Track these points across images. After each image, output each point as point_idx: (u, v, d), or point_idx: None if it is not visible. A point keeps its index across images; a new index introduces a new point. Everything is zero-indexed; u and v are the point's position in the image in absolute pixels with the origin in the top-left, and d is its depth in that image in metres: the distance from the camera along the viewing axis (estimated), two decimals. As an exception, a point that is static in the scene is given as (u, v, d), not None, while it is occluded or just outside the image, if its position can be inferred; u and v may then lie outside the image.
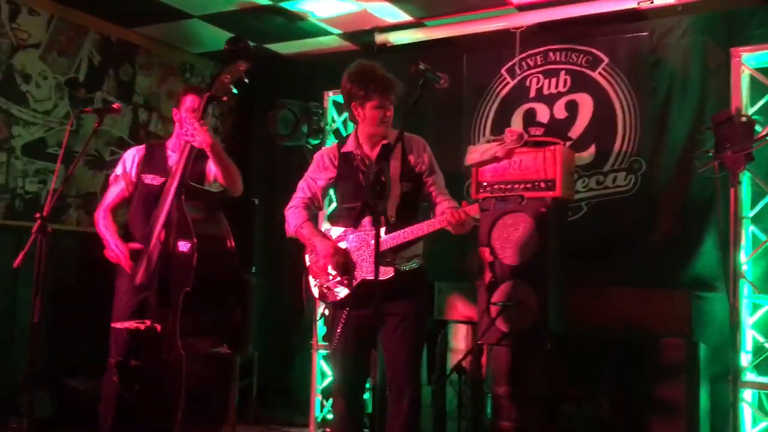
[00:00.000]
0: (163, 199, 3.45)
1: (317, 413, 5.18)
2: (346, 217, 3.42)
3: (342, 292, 3.37)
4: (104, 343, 3.72)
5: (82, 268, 5.16)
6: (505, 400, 4.23)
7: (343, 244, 3.41)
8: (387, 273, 3.26)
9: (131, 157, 3.83)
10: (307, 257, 3.50)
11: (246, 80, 3.43)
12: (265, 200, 5.30)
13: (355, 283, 3.34)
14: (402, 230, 3.27)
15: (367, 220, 3.31)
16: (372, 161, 3.37)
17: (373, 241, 3.09)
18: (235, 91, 3.42)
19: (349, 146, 3.45)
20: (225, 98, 3.47)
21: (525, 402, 4.19)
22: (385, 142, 3.29)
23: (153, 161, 3.79)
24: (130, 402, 3.47)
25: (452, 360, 4.59)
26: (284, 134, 5.09)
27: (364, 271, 3.33)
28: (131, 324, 3.46)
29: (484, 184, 4.42)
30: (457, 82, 5.07)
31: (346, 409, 3.41)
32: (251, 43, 5.49)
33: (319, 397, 5.19)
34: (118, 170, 3.82)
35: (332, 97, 5.34)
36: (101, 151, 5.49)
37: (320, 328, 5.24)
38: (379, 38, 5.22)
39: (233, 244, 3.54)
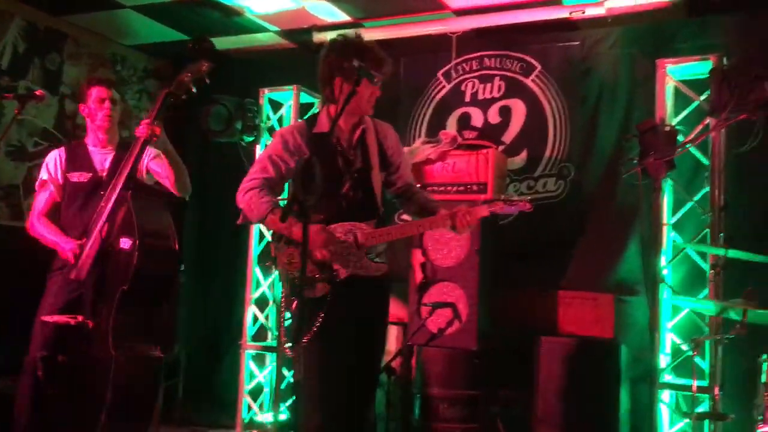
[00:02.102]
0: (108, 194, 3.33)
1: (244, 414, 5.09)
2: (324, 205, 2.91)
3: (322, 287, 2.93)
4: (21, 340, 3.57)
5: (2, 262, 4.95)
6: (434, 401, 4.26)
7: None
8: (380, 269, 3.02)
9: (53, 160, 3.70)
10: (273, 248, 3.07)
11: (207, 81, 3.32)
12: (194, 197, 5.19)
13: (340, 277, 2.94)
14: (398, 225, 3.04)
15: (350, 210, 2.98)
16: (353, 144, 3.04)
17: (359, 234, 2.91)
18: (194, 90, 3.31)
19: (323, 127, 3.02)
20: (183, 97, 3.34)
21: (454, 402, 4.23)
22: (362, 126, 3.03)
23: (77, 160, 3.68)
24: (51, 400, 3.34)
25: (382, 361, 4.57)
26: (218, 130, 5.00)
27: (351, 266, 2.95)
28: (62, 318, 3.31)
29: (418, 185, 4.46)
30: (394, 84, 5.08)
31: (324, 424, 2.93)
32: (184, 37, 5.39)
33: (246, 398, 5.11)
34: (44, 175, 3.69)
35: (268, 94, 5.28)
36: (24, 141, 5.28)
37: (250, 327, 5.17)
38: (318, 37, 5.19)
39: (177, 245, 3.44)
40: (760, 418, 2.79)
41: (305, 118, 3.30)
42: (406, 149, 4.47)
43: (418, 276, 4.37)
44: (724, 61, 4.02)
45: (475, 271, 4.25)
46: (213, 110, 4.98)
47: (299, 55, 5.39)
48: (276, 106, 5.36)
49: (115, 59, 5.88)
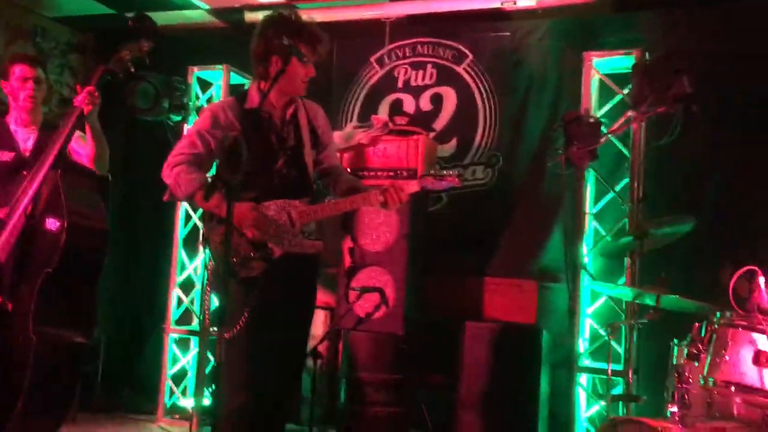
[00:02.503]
0: (34, 173, 3.18)
1: (166, 400, 4.99)
2: (256, 182, 2.92)
3: (257, 266, 2.89)
4: None
5: None
6: (360, 385, 4.27)
7: None
8: (315, 246, 3.00)
9: None
10: (206, 227, 3.01)
11: (147, 60, 3.22)
12: (118, 176, 5.03)
13: (275, 256, 2.90)
14: (331, 202, 3.01)
15: (283, 188, 2.96)
16: (286, 121, 3.02)
17: (293, 212, 2.90)
18: (132, 69, 3.22)
19: (254, 103, 2.98)
20: (120, 75, 3.24)
21: (379, 387, 4.26)
22: (294, 104, 3.01)
23: None
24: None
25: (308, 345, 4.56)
26: (144, 108, 4.86)
27: (286, 244, 2.92)
28: (-23, 300, 3.16)
29: (347, 169, 4.45)
30: (327, 68, 5.04)
31: (250, 404, 2.89)
32: (110, 11, 5.21)
33: (169, 383, 5.01)
34: None
35: (197, 72, 5.16)
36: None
37: (174, 311, 5.06)
38: (249, 17, 5.10)
39: (107, 227, 3.32)
40: (669, 399, 2.91)
41: (236, 95, 3.24)
42: (338, 133, 4.48)
43: (347, 260, 4.37)
44: (647, 56, 4.16)
45: (403, 257, 4.29)
46: (138, 87, 4.84)
47: (230, 35, 5.29)
48: (205, 85, 5.24)
49: (35, 31, 5.62)
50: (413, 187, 2.92)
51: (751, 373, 2.60)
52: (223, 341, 2.71)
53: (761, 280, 2.68)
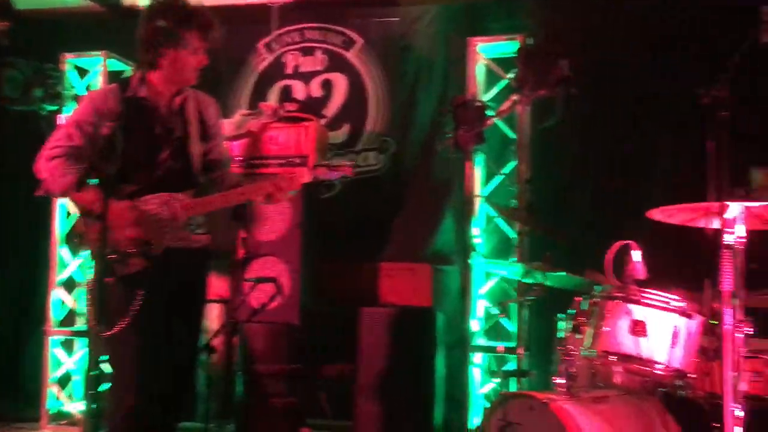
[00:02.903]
0: None
1: (51, 405, 4.73)
2: (137, 174, 2.81)
3: (137, 263, 2.77)
4: None
5: None
6: (257, 377, 4.20)
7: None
8: (201, 240, 2.89)
9: None
10: (83, 222, 2.84)
11: (6, 41, 2.95)
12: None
13: (156, 252, 2.79)
14: (218, 195, 2.90)
15: (167, 180, 2.84)
16: (174, 112, 2.89)
17: (177, 205, 2.78)
18: None
19: (139, 91, 2.86)
20: None
21: (277, 378, 4.20)
22: (183, 94, 2.89)
23: None
24: None
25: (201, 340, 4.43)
26: (13, 97, 4.55)
27: (168, 239, 2.81)
28: None
29: (237, 158, 4.35)
30: (213, 54, 4.89)
31: (139, 405, 2.77)
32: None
33: (52, 388, 4.74)
34: None
35: (72, 60, 4.89)
36: None
37: (55, 311, 4.79)
38: (128, 0, 4.87)
39: None
40: (556, 372, 3.01)
41: (119, 82, 3.08)
42: (227, 121, 4.35)
43: (240, 251, 4.28)
44: (530, 41, 4.27)
45: (297, 245, 4.24)
46: (5, 75, 4.52)
47: (108, 20, 5.04)
48: (82, 73, 4.98)
49: None
50: (305, 177, 2.89)
51: (628, 343, 2.72)
52: (107, 342, 2.67)
53: (635, 253, 2.80)
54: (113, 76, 4.86)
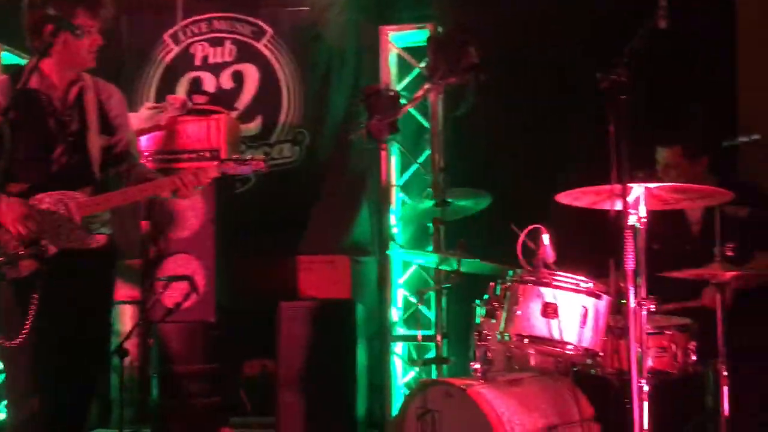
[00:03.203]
0: None
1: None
2: (29, 171, 2.69)
3: (29, 265, 2.64)
4: None
5: None
6: (174, 378, 4.09)
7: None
8: (99, 241, 2.75)
9: None
10: None
11: None
12: None
13: (49, 253, 2.66)
14: (118, 192, 2.77)
15: (62, 177, 2.71)
16: (69, 104, 2.74)
17: (72, 203, 2.65)
18: None
19: (31, 82, 2.68)
20: None
21: (194, 378, 4.09)
22: (81, 83, 2.74)
23: None
24: None
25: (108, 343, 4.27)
26: None
27: (63, 240, 2.68)
28: None
29: (146, 153, 4.20)
30: (115, 45, 4.71)
31: (43, 407, 2.67)
32: None
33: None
34: None
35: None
36: None
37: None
38: (23, -11, 4.60)
39: None
40: (472, 357, 3.04)
41: (11, 73, 2.90)
42: (132, 115, 4.17)
43: (150, 250, 4.14)
44: (440, 29, 4.28)
45: (211, 242, 4.14)
46: None
47: (3, 9, 4.75)
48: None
49: None
50: (212, 172, 2.79)
51: (540, 325, 2.76)
52: (3, 349, 2.58)
53: (545, 237, 2.84)
54: (6, 69, 4.59)
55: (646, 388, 2.46)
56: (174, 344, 4.14)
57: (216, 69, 4.81)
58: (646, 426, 2.44)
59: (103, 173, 2.86)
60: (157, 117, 4.25)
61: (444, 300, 4.16)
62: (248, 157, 2.86)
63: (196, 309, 4.07)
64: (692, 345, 2.89)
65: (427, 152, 4.40)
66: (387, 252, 4.21)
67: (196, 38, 4.83)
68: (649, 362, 2.66)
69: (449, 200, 3.66)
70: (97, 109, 2.83)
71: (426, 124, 4.42)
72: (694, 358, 2.89)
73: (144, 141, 4.24)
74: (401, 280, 4.45)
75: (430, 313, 4.27)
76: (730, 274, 2.79)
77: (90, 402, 2.90)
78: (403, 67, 4.53)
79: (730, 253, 2.79)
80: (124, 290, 4.48)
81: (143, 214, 4.15)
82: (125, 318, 4.52)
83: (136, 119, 4.24)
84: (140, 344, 4.28)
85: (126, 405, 4.02)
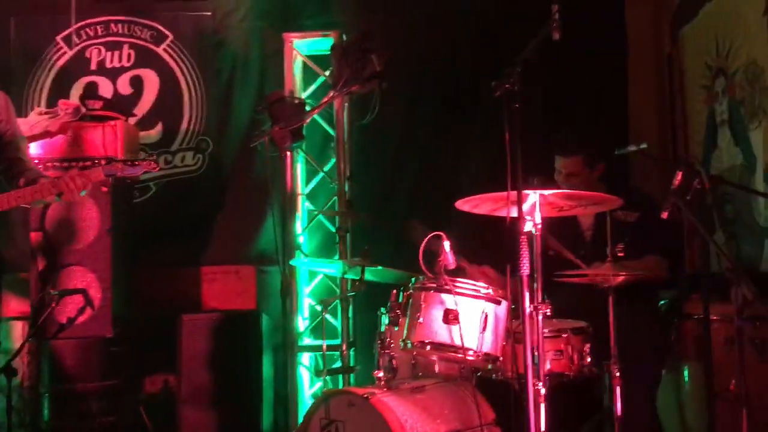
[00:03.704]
0: None
1: None
2: None
3: None
4: None
5: None
6: (67, 398, 3.87)
7: None
8: None
9: None
10: None
11: None
12: None
13: None
14: None
15: None
16: None
17: None
18: None
19: None
20: None
21: (91, 396, 3.89)
22: None
23: None
24: None
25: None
26: None
27: None
28: None
29: (36, 161, 3.98)
30: (3, 48, 4.51)
31: None
32: None
33: None
34: None
35: None
36: None
37: None
38: None
39: None
40: (376, 366, 3.02)
41: None
42: (21, 120, 3.96)
43: (40, 262, 3.92)
44: (344, 37, 4.27)
45: (107, 253, 3.95)
46: None
47: None
48: None
49: None
50: (97, 174, 2.69)
51: (442, 332, 2.77)
52: None
53: (446, 243, 2.87)
54: None
55: (543, 390, 2.52)
56: (68, 361, 3.93)
57: (113, 74, 4.63)
58: (543, 428, 2.49)
59: None
60: (49, 123, 4.03)
61: (350, 309, 4.14)
62: (139, 159, 2.78)
63: (92, 323, 3.88)
64: (587, 347, 2.98)
65: (333, 160, 4.38)
66: (292, 262, 4.15)
67: (91, 41, 4.64)
68: (547, 365, 2.72)
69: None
70: None
71: (332, 132, 4.40)
72: (589, 359, 2.98)
73: (35, 148, 4.01)
74: (308, 290, 4.40)
75: (337, 323, 4.23)
76: (620, 275, 2.89)
77: None
78: (309, 75, 4.49)
79: (621, 254, 2.90)
80: (14, 305, 4.26)
81: (34, 224, 3.94)
82: (14, 334, 4.28)
83: (26, 125, 4.01)
84: (32, 362, 4.05)
85: (14, 428, 3.78)
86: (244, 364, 4.03)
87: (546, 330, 2.68)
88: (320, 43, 4.38)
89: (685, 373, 3.20)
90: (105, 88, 4.61)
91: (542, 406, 2.53)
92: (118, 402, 3.96)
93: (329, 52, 4.27)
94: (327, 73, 4.36)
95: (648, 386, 3.18)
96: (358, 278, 3.45)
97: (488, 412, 2.98)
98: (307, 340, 4.31)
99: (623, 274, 2.90)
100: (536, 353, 2.51)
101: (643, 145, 3.05)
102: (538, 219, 2.57)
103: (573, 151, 3.38)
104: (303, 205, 4.43)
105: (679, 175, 2.79)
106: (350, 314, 4.14)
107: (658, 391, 3.25)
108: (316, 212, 4.39)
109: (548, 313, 2.56)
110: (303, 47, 4.41)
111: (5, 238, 4.22)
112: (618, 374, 2.90)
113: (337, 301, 4.11)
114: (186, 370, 4.00)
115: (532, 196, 2.60)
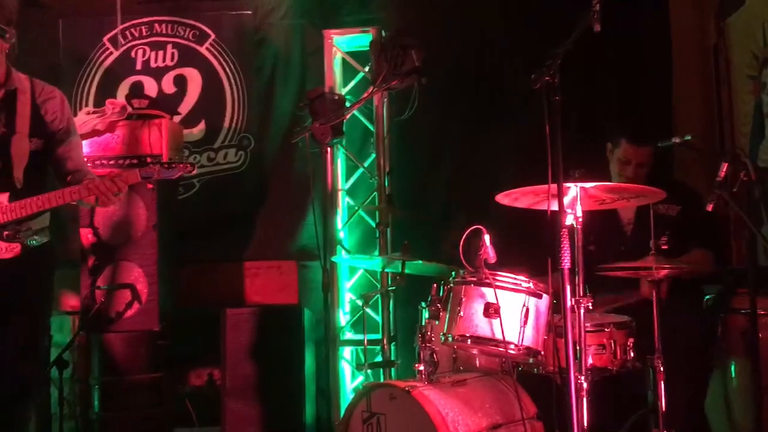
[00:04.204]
0: None
1: None
2: None
3: None
4: None
5: None
6: (116, 390, 3.97)
7: None
8: (13, 249, 2.70)
9: None
10: None
11: None
12: None
13: None
14: (35, 197, 2.70)
15: None
16: None
17: None
18: None
19: None
20: None
21: (138, 388, 3.99)
22: (9, 87, 2.69)
23: None
24: None
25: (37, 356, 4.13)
26: None
27: None
28: None
29: (87, 158, 4.10)
30: (53, 49, 4.63)
31: None
32: None
33: None
34: None
35: None
36: None
37: None
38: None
39: None
40: (417, 359, 3.04)
41: None
42: (69, 120, 4.09)
43: (90, 258, 4.04)
44: (383, 33, 4.29)
45: (153, 248, 4.04)
46: None
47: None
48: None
49: None
50: (131, 177, 2.76)
51: (483, 325, 2.78)
52: None
53: (486, 237, 2.87)
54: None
55: (585, 385, 2.50)
56: (117, 354, 4.03)
57: (158, 73, 4.73)
58: (585, 423, 2.48)
59: (30, 178, 2.79)
60: (97, 122, 4.14)
61: (391, 303, 4.16)
62: (175, 162, 2.84)
63: (140, 318, 3.98)
64: (630, 342, 2.95)
65: (373, 156, 4.40)
66: (333, 257, 4.18)
67: (136, 42, 4.74)
68: (589, 360, 2.70)
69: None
70: (29, 113, 2.77)
71: (371, 128, 4.42)
72: (632, 354, 2.95)
73: (83, 146, 4.13)
74: (348, 285, 4.44)
75: (378, 317, 4.26)
76: (664, 268, 2.85)
77: (26, 412, 2.83)
78: (348, 71, 4.52)
79: (665, 246, 2.86)
80: (66, 300, 4.39)
81: (85, 221, 4.05)
82: (68, 328, 4.41)
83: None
84: (82, 356, 4.17)
85: (66, 419, 3.90)
86: (287, 357, 4.07)
87: (588, 324, 2.67)
88: (359, 40, 4.40)
89: (732, 368, 3.14)
90: (150, 88, 4.71)
91: (584, 401, 2.51)
92: (164, 394, 4.06)
93: (368, 48, 4.29)
94: (366, 69, 4.39)
95: (693, 382, 3.13)
96: (398, 273, 3.47)
97: (530, 406, 2.97)
98: (348, 335, 4.35)
99: (668, 267, 2.86)
100: (578, 347, 2.49)
101: (688, 137, 3.01)
102: (579, 212, 2.55)
103: (645, 141, 3.34)
104: (343, 201, 4.46)
105: (724, 167, 2.75)
106: (390, 308, 4.16)
107: (704, 386, 3.20)
108: (356, 207, 4.42)
109: (590, 307, 2.54)
110: (342, 44, 4.44)
111: (57, 234, 4.33)
112: (662, 369, 2.86)
113: (378, 295, 4.13)
114: (230, 364, 4.05)
115: (573, 189, 2.58)
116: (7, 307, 2.72)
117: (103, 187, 2.68)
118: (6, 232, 2.69)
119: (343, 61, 4.49)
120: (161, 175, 2.77)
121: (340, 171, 4.49)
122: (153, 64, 4.73)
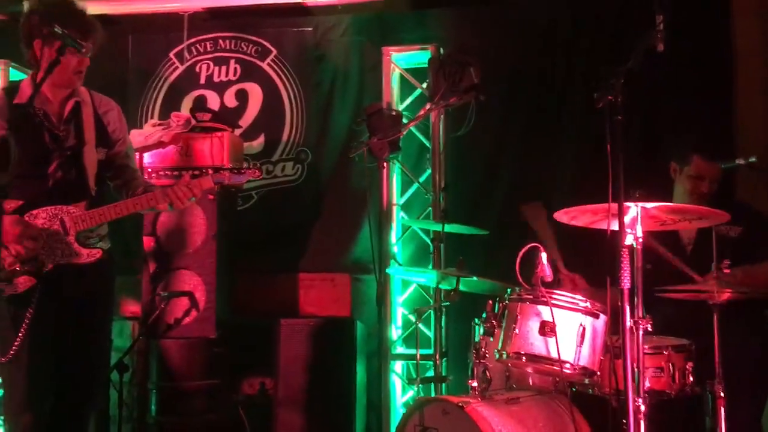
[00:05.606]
0: None
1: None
2: (25, 187, 2.73)
3: (25, 281, 2.70)
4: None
5: None
6: (172, 395, 4.07)
7: None
8: (94, 255, 2.80)
9: None
10: None
11: None
12: None
13: (46, 269, 2.72)
14: (113, 205, 2.81)
15: (57, 192, 2.77)
16: (65, 118, 2.82)
17: (67, 218, 2.71)
18: None
19: (25, 97, 2.72)
20: None
21: (193, 394, 4.08)
22: (75, 99, 2.82)
23: None
24: None
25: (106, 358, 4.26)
26: None
27: (59, 255, 2.74)
28: None
29: (149, 169, 4.24)
30: (122, 64, 4.81)
31: (37, 423, 2.74)
32: None
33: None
34: None
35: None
36: None
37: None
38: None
39: None
40: (470, 375, 3.04)
41: (5, 89, 2.97)
42: (136, 131, 4.24)
43: (151, 265, 4.16)
44: (441, 50, 4.33)
45: (212, 258, 4.15)
46: None
47: (9, 28, 4.83)
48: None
49: None
50: (205, 183, 2.86)
51: (538, 343, 2.77)
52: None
53: (543, 255, 2.86)
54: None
55: (642, 407, 2.47)
56: (174, 360, 4.14)
57: (220, 87, 4.86)
58: (642, 446, 2.44)
59: (101, 187, 2.92)
60: (162, 134, 4.28)
61: (443, 319, 4.17)
62: (243, 167, 2.91)
63: (197, 325, 4.08)
64: (689, 365, 2.89)
65: (428, 172, 4.43)
66: (387, 270, 4.22)
67: (201, 57, 4.89)
68: (647, 383, 2.66)
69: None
70: (94, 124, 2.90)
71: (427, 143, 4.45)
72: (692, 379, 2.89)
73: (148, 157, 4.28)
74: (401, 299, 4.46)
75: (430, 332, 4.27)
76: (725, 292, 2.79)
77: (88, 417, 2.93)
78: (406, 88, 4.57)
79: (726, 270, 2.81)
80: (127, 305, 4.52)
81: (147, 229, 4.18)
82: (124, 334, 4.53)
83: (141, 136, 4.30)
84: (139, 360, 4.28)
85: (124, 421, 4.01)
86: (339, 369, 4.11)
87: (646, 346, 2.63)
88: (417, 56, 4.45)
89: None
90: (213, 101, 4.85)
91: (642, 424, 2.48)
92: (219, 401, 4.14)
93: (426, 65, 4.34)
94: (424, 85, 4.43)
95: (754, 407, 3.05)
96: (452, 288, 3.48)
97: (584, 426, 2.94)
98: (400, 349, 4.37)
99: (729, 290, 2.80)
100: (636, 369, 2.46)
101: (752, 159, 2.95)
102: (639, 233, 2.53)
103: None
104: (398, 216, 4.50)
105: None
106: (443, 324, 4.16)
107: (765, 412, 3.12)
108: (411, 222, 4.45)
109: (649, 329, 2.51)
110: (401, 60, 4.50)
111: (120, 242, 4.48)
112: (722, 394, 2.79)
113: (431, 310, 4.14)
114: (283, 373, 4.12)
115: (634, 209, 2.56)
116: (88, 311, 2.83)
117: (180, 193, 2.78)
118: (89, 239, 2.80)
119: (401, 77, 4.54)
120: (231, 180, 2.87)
121: (396, 186, 4.53)
122: (216, 79, 4.87)
